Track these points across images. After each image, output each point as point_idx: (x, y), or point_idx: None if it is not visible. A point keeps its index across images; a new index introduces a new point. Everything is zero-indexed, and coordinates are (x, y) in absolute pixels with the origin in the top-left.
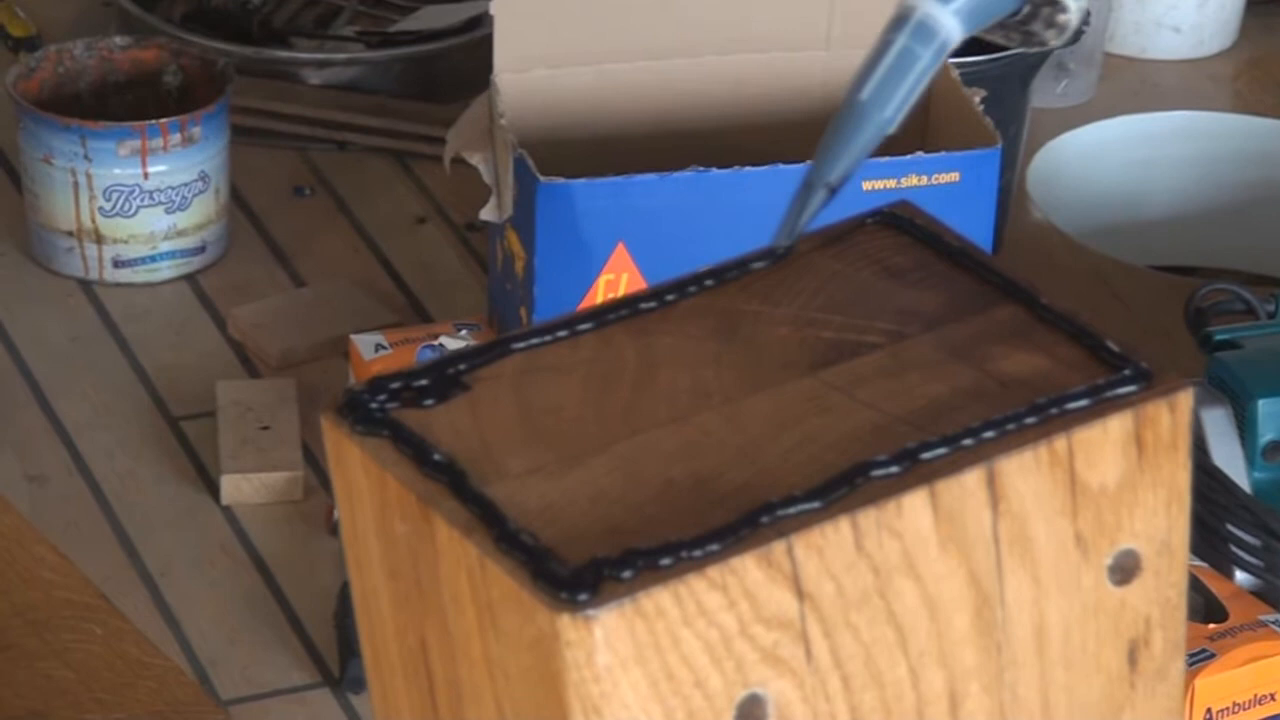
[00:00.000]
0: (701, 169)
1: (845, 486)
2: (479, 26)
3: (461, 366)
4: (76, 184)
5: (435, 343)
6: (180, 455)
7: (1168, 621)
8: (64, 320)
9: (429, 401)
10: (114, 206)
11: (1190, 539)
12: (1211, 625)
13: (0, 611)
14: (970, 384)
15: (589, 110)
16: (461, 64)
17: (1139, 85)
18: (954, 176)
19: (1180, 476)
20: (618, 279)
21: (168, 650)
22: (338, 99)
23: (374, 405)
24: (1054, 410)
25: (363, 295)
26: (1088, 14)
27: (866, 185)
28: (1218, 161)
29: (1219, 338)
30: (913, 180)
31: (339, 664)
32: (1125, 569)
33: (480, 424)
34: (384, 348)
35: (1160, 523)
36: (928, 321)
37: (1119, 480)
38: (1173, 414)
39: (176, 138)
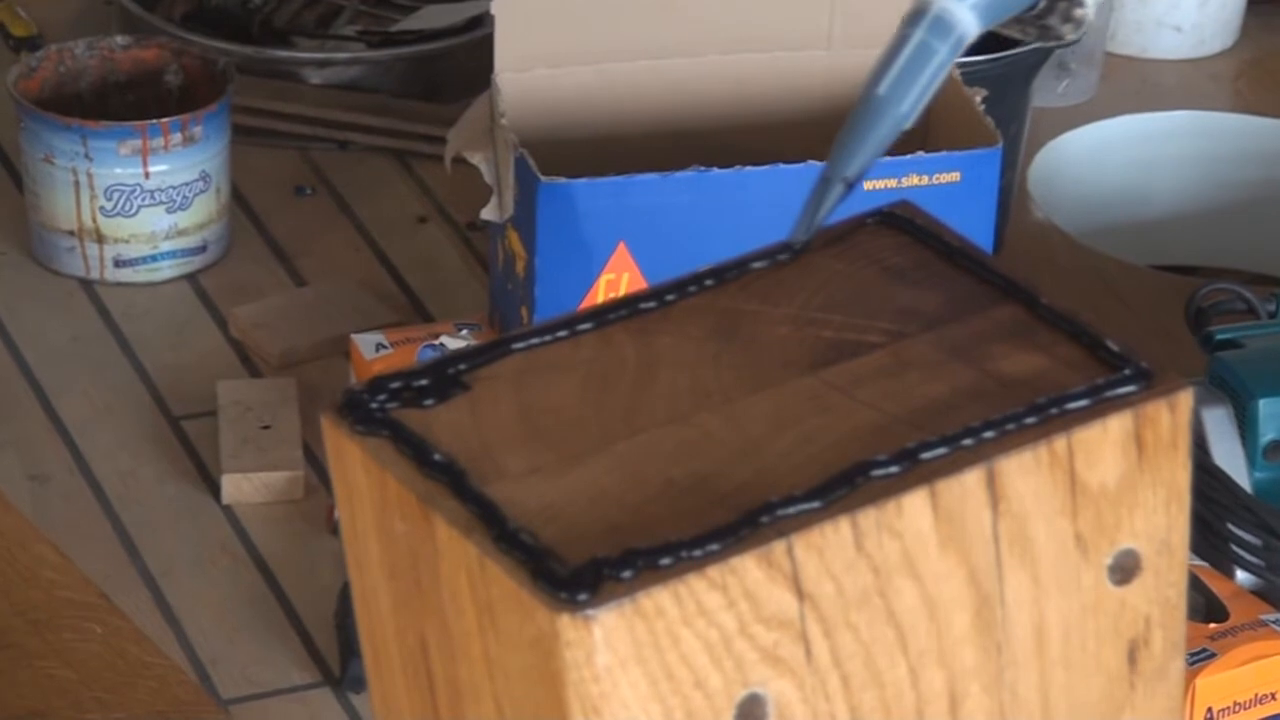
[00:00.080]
0: (702, 169)
1: (845, 486)
2: (480, 26)
3: (461, 366)
4: (77, 183)
5: (436, 342)
6: (181, 455)
7: (1168, 621)
8: (65, 320)
9: (429, 401)
10: (115, 206)
11: (1191, 538)
12: (1212, 625)
13: (1, 611)
14: (970, 384)
15: (590, 110)
16: (463, 63)
17: (1140, 85)
18: (955, 176)
19: (1180, 476)
20: (618, 279)
21: (168, 650)
22: (339, 98)
23: (374, 405)
24: (1054, 410)
25: (363, 295)
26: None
27: (867, 185)
28: (1219, 161)
29: (1220, 337)
30: (913, 180)
31: (339, 664)
32: (1125, 569)
33: (480, 424)
34: (385, 347)
35: (1160, 522)
36: (928, 321)
37: (1119, 480)
38: (1173, 414)
39: (177, 137)
